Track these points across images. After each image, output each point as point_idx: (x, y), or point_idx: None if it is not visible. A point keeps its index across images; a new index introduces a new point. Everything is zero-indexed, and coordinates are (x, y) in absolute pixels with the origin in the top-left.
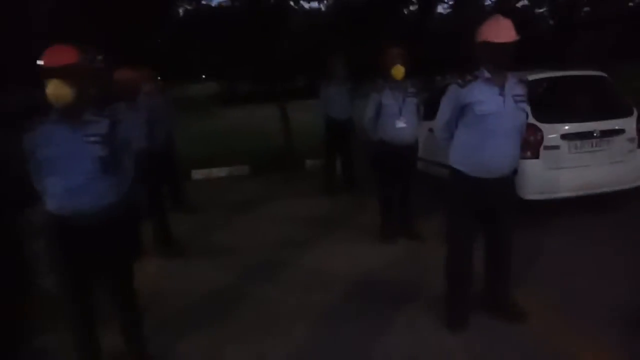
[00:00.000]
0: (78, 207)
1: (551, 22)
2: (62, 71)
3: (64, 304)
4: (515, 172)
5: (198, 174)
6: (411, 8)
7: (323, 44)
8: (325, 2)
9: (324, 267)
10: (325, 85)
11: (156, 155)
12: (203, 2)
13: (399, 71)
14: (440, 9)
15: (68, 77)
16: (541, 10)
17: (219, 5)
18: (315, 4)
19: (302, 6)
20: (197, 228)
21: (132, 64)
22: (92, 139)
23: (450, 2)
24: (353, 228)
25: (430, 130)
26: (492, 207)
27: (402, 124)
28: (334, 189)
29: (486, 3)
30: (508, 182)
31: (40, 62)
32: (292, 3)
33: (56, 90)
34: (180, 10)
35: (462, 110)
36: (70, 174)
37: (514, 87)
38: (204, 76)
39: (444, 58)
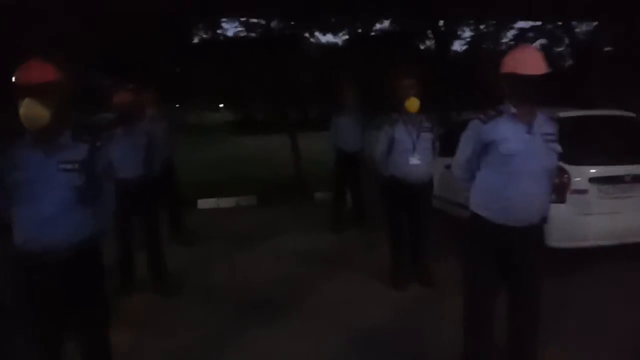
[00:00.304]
0: (49, 242)
1: (570, 61)
2: (37, 90)
3: (27, 351)
4: (544, 220)
5: (204, 203)
6: (427, 43)
7: (336, 75)
8: (341, 35)
9: (325, 313)
10: (336, 116)
11: (153, 182)
12: (218, 32)
13: (413, 104)
14: (457, 45)
15: (44, 97)
16: (560, 49)
17: (235, 36)
18: (331, 38)
19: (318, 38)
20: (195, 261)
21: (143, 88)
22: (68, 166)
23: (468, 39)
24: (360, 269)
25: (447, 167)
26: (516, 259)
27: (416, 161)
28: (343, 225)
29: (505, 40)
30: (536, 231)
31: (13, 80)
32: (307, 35)
33: (30, 111)
34: (197, 39)
35: (484, 149)
36: (41, 203)
37: (544, 124)
38: (221, 105)
39: (461, 92)
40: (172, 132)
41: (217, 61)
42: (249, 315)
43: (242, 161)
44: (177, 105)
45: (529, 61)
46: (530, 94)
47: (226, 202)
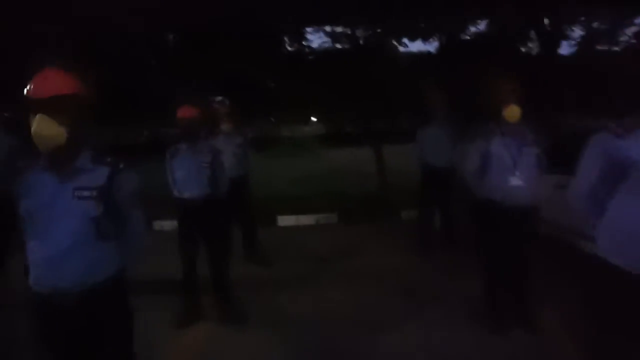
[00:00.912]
0: (60, 282)
1: None
2: (51, 104)
3: None
4: None
5: (284, 220)
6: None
7: (425, 82)
8: (431, 41)
9: (407, 358)
10: (423, 127)
11: (220, 201)
12: (304, 43)
13: (513, 112)
14: (565, 46)
15: (59, 113)
16: None
17: (321, 47)
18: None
19: (406, 45)
20: (266, 286)
21: (218, 102)
22: (84, 192)
23: (578, 40)
24: (450, 305)
25: (559, 187)
26: None
27: (517, 181)
28: (431, 249)
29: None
30: None
31: (24, 93)
32: (395, 43)
33: (43, 129)
34: (285, 52)
35: (618, 171)
36: (52, 237)
37: None
38: (313, 118)
39: (572, 98)
40: (246, 148)
41: (307, 73)
42: (320, 355)
43: (327, 175)
44: (272, 120)
45: None
46: None
47: (306, 220)
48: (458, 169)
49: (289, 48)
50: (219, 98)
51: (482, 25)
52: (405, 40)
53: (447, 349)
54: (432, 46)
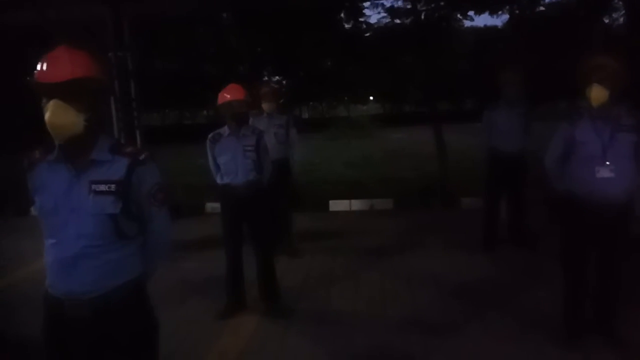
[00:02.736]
0: (74, 288)
1: None
2: (67, 89)
3: None
4: None
5: (336, 205)
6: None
7: (494, 57)
8: (500, 14)
9: None
10: (491, 108)
11: (264, 187)
12: (361, 20)
13: (596, 93)
14: None
15: (76, 98)
16: None
17: (378, 23)
18: (488, 19)
19: (472, 20)
20: (315, 278)
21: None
22: (101, 187)
23: None
24: (518, 310)
25: None
26: None
27: (606, 172)
28: (495, 243)
29: None
30: None
31: (36, 75)
32: (459, 16)
33: (59, 117)
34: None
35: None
36: (67, 236)
37: None
38: (371, 98)
39: None
40: (289, 129)
41: (365, 52)
42: (366, 357)
43: (384, 157)
44: (328, 100)
45: None
46: None
47: (360, 205)
48: (531, 155)
49: (346, 25)
50: (263, 78)
51: None
52: (471, 14)
53: None
54: (502, 20)
